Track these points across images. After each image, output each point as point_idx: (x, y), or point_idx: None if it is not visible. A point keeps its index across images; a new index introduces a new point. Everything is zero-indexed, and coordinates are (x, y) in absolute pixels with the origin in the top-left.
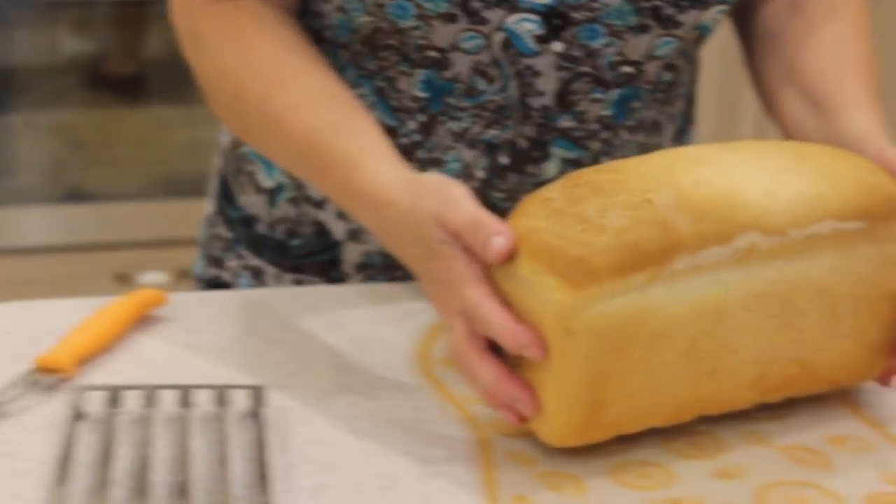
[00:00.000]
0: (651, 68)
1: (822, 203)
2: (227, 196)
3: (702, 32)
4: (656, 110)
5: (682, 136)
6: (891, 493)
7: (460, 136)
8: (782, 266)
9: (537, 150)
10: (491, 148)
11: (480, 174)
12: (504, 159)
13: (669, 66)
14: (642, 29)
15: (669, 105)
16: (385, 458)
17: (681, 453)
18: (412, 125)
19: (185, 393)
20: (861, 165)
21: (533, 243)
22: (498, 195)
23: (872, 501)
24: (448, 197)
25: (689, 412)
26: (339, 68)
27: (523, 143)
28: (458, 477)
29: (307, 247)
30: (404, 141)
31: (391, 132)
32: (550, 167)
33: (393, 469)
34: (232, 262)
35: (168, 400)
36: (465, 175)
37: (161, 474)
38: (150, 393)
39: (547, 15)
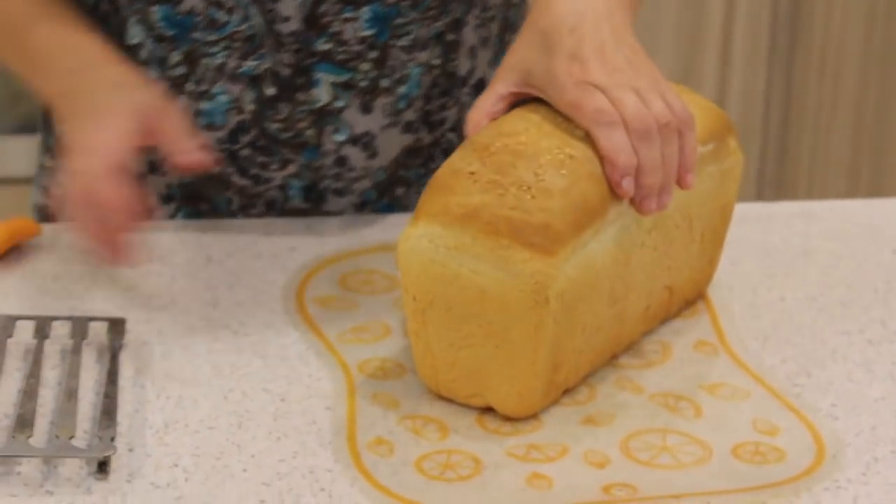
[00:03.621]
0: None
1: None
2: (47, 123)
3: None
4: (428, 28)
5: (498, 61)
6: (760, 441)
7: (219, 71)
8: None
9: (301, 77)
10: (254, 80)
11: (250, 106)
12: (270, 90)
13: None
14: None
15: (463, 26)
16: (242, 395)
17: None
18: (176, 56)
19: (42, 324)
20: (686, 92)
21: (485, 220)
22: (274, 126)
23: (739, 450)
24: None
25: (606, 356)
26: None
27: (285, 72)
28: (315, 415)
29: None
30: (172, 73)
31: (161, 62)
32: (321, 93)
33: (249, 406)
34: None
35: (24, 331)
36: (235, 108)
37: (6, 406)
38: (6, 323)
39: None
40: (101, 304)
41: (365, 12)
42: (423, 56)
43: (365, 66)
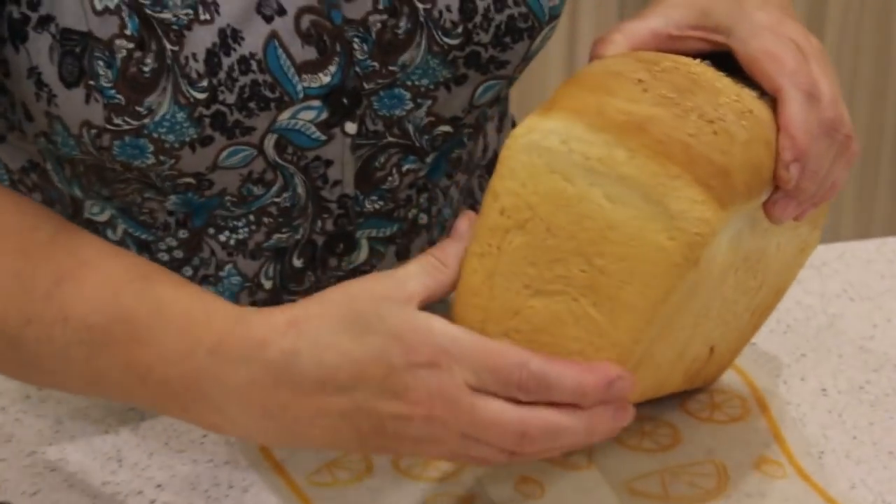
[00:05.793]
0: (472, 117)
1: None
2: None
3: (531, 56)
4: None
5: (503, 124)
6: None
7: (236, 248)
8: (763, 229)
9: (341, 243)
10: (279, 252)
11: (269, 284)
12: (299, 262)
13: (494, 101)
14: (458, 81)
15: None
16: None
17: None
18: (171, 241)
19: None
20: None
21: (655, 137)
22: (291, 298)
23: None
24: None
25: (651, 390)
26: (65, 181)
27: (321, 240)
28: None
29: None
30: (164, 257)
31: (146, 247)
32: (359, 254)
33: None
34: None
35: None
36: (250, 288)
37: None
38: None
39: (330, 96)
40: None
41: (429, 159)
42: (463, 178)
43: (413, 212)
